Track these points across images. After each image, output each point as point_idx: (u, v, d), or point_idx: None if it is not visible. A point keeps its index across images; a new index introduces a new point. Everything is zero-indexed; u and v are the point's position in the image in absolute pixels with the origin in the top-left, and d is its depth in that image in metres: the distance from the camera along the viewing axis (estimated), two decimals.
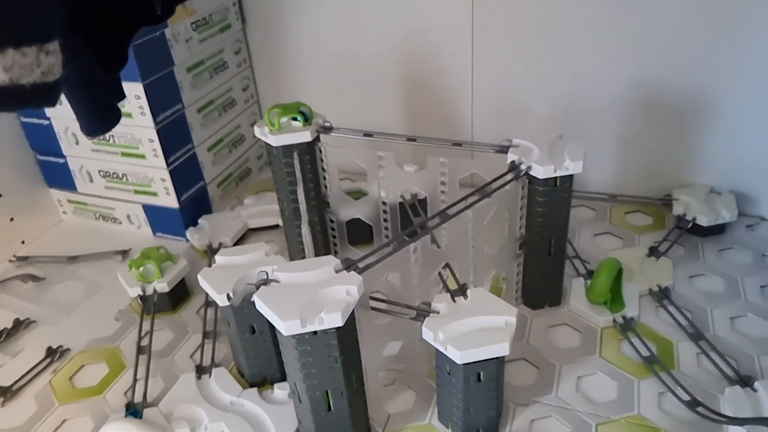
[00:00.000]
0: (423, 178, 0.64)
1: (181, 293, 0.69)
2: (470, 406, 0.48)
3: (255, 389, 0.56)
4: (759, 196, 0.73)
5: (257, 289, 0.43)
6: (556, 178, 0.55)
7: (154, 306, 0.65)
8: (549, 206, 0.56)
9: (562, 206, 0.57)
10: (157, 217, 0.79)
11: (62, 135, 0.77)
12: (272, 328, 0.54)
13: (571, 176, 0.55)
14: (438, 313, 0.48)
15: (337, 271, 0.44)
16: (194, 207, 0.80)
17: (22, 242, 0.81)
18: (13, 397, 0.59)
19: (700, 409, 0.50)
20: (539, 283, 0.62)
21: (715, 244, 0.70)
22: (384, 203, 0.67)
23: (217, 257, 0.55)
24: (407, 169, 0.65)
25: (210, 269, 0.54)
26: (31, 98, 0.35)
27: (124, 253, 0.77)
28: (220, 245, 0.76)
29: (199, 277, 0.53)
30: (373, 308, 0.48)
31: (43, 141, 0.79)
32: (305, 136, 0.63)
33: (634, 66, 0.71)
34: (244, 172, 0.90)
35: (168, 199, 0.77)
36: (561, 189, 0.55)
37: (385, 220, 0.68)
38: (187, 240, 0.78)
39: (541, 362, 0.57)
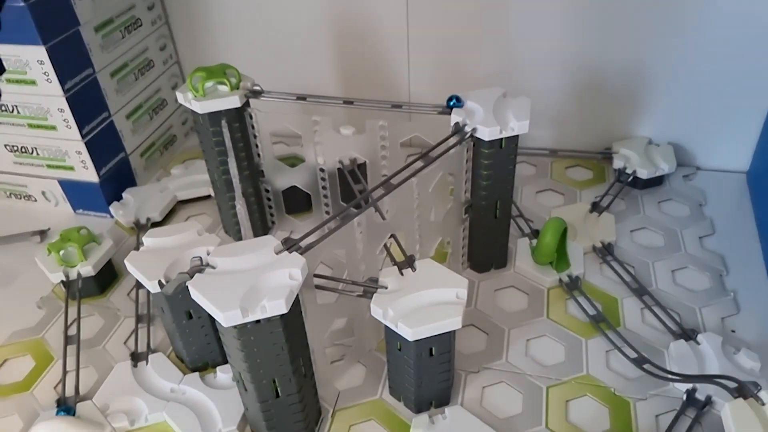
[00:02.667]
0: (362, 143, 0.61)
1: (108, 276, 0.64)
2: (422, 380, 0.47)
3: (197, 374, 0.53)
4: (695, 146, 0.74)
5: (191, 277, 0.40)
6: (501, 139, 0.53)
7: (79, 292, 0.60)
8: (494, 168, 0.54)
9: (508, 168, 0.55)
10: (75, 192, 0.73)
11: None
12: None
13: (516, 137, 0.53)
14: (386, 288, 0.46)
15: (277, 253, 0.41)
16: (116, 180, 0.74)
17: None
18: None
19: (647, 366, 0.50)
20: (485, 246, 0.61)
21: (654, 196, 0.71)
22: (322, 170, 0.64)
23: (144, 239, 0.50)
24: (344, 133, 0.62)
25: (138, 253, 0.50)
26: None
27: (42, 233, 0.71)
28: (148, 221, 0.71)
29: (126, 262, 0.49)
30: (317, 287, 0.46)
31: None
32: (233, 102, 0.58)
33: (572, 20, 0.69)
34: (168, 139, 0.84)
35: (86, 173, 0.70)
36: (506, 150, 0.54)
37: (323, 187, 0.65)
38: (112, 216, 0.73)
39: (490, 327, 0.57)
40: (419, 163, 0.50)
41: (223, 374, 0.53)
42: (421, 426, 0.47)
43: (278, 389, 0.43)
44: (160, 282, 0.46)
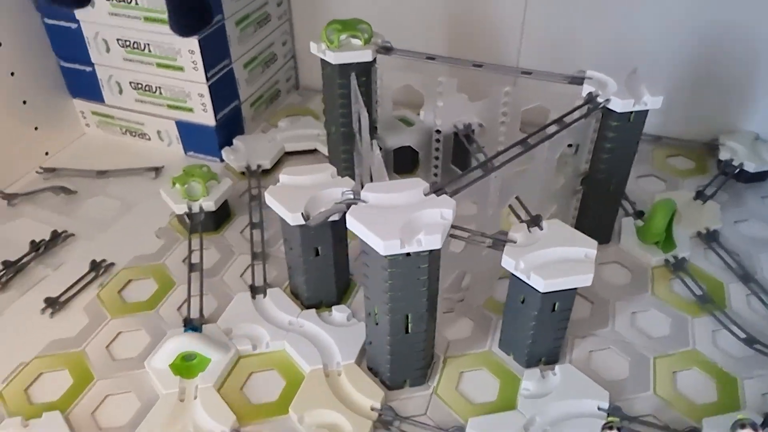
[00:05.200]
0: (483, 108, 0.62)
1: (223, 214, 0.67)
2: (539, 335, 0.49)
3: (313, 311, 0.56)
4: None
5: (347, 208, 0.42)
6: (630, 113, 0.54)
7: (201, 224, 0.63)
8: (618, 142, 0.55)
9: (632, 143, 0.56)
10: (190, 134, 0.76)
11: (91, 41, 0.72)
12: (335, 251, 0.54)
13: (646, 112, 0.54)
14: (515, 242, 0.47)
15: (426, 194, 0.43)
16: (228, 127, 0.77)
17: (46, 153, 0.77)
18: (62, 309, 0.57)
19: (757, 346, 0.51)
20: (593, 219, 0.62)
21: (758, 191, 0.71)
22: (438, 132, 0.65)
23: (281, 176, 0.53)
24: (466, 97, 0.63)
25: (276, 187, 0.52)
26: None
27: (157, 170, 0.75)
28: (259, 167, 0.74)
29: (266, 194, 0.51)
30: (451, 235, 0.48)
31: (69, 46, 0.74)
32: (366, 55, 0.60)
33: (688, 7, 0.69)
34: (273, 94, 0.87)
35: (204, 116, 0.74)
36: (634, 125, 0.54)
37: (436, 149, 0.67)
38: (222, 160, 0.76)
39: (595, 297, 0.58)
40: (553, 127, 0.51)
41: (339, 313, 0.55)
42: (533, 378, 0.49)
43: (409, 325, 0.46)
44: (302, 214, 0.49)
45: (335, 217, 0.49)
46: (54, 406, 0.48)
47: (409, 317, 0.45)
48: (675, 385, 0.50)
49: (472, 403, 0.49)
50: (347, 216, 0.42)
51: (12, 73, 0.71)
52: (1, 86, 0.70)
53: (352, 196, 0.43)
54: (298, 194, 0.51)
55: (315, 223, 0.47)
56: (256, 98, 0.82)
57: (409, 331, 0.46)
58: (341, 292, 0.58)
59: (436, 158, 0.67)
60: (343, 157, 0.67)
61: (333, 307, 0.56)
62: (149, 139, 0.79)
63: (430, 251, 0.41)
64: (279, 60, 0.86)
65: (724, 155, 0.72)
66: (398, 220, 0.41)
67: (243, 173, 0.74)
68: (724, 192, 0.70)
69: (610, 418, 0.41)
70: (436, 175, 0.68)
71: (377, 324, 0.47)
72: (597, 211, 0.61)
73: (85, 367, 0.52)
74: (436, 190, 0.44)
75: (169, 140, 0.78)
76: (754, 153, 0.71)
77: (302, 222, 0.49)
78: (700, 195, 0.68)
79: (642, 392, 0.50)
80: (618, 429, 0.40)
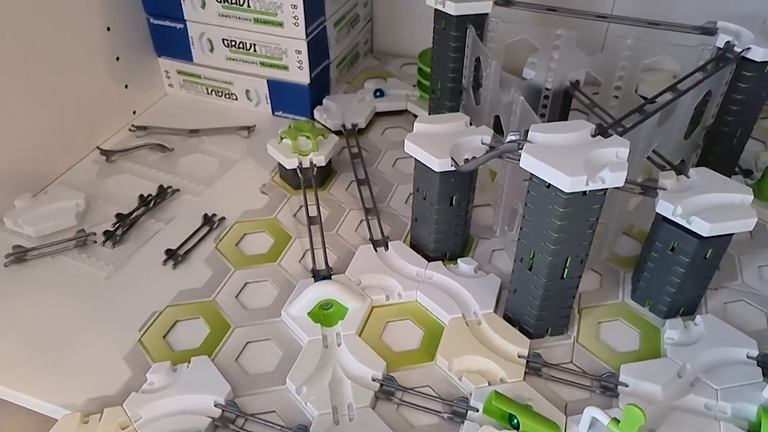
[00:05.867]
0: (599, 62, 0.62)
1: (327, 170, 0.66)
2: (685, 285, 0.49)
3: (439, 262, 0.55)
4: None
5: (519, 147, 0.42)
6: (766, 63, 0.53)
7: (314, 179, 0.63)
8: (749, 94, 0.55)
9: (762, 95, 0.55)
10: (281, 93, 0.75)
11: None
12: (468, 201, 0.54)
13: None
14: (665, 189, 0.47)
15: (593, 135, 0.43)
16: (319, 87, 0.76)
17: (134, 112, 0.76)
18: (183, 261, 0.57)
19: None
20: None
21: None
22: (548, 88, 0.65)
23: (416, 125, 0.52)
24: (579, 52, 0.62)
25: (413, 135, 0.52)
26: None
27: (250, 129, 0.74)
28: (354, 126, 0.73)
29: (406, 141, 0.51)
30: None
31: (161, 2, 0.73)
32: (485, 7, 0.59)
33: None
34: (354, 56, 0.86)
35: (299, 74, 0.73)
36: (767, 75, 0.54)
37: (544, 106, 0.66)
38: (313, 119, 0.75)
39: None
40: (698, 75, 0.50)
41: (465, 265, 0.55)
42: (677, 328, 0.49)
43: (566, 270, 0.45)
44: (453, 160, 0.48)
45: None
46: (197, 353, 0.48)
47: (569, 261, 0.45)
48: None
49: (615, 351, 0.49)
50: (523, 155, 0.41)
51: (108, 28, 0.70)
52: (98, 41, 0.69)
53: (518, 138, 0.43)
54: (437, 142, 0.50)
55: (472, 167, 0.47)
56: (342, 59, 0.81)
57: (565, 276, 0.46)
58: (465, 244, 0.57)
59: (543, 116, 0.67)
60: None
61: (459, 259, 0.55)
62: (236, 99, 0.78)
63: (605, 191, 0.41)
64: (361, 21, 0.85)
65: None
66: (576, 158, 0.40)
67: (338, 132, 0.73)
68: None
69: None
70: None
71: (530, 269, 0.46)
72: (718, 166, 0.60)
73: (219, 316, 0.52)
74: (602, 131, 0.43)
75: (257, 100, 0.77)
76: None
77: (449, 168, 0.49)
78: None
79: None
80: None
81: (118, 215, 0.61)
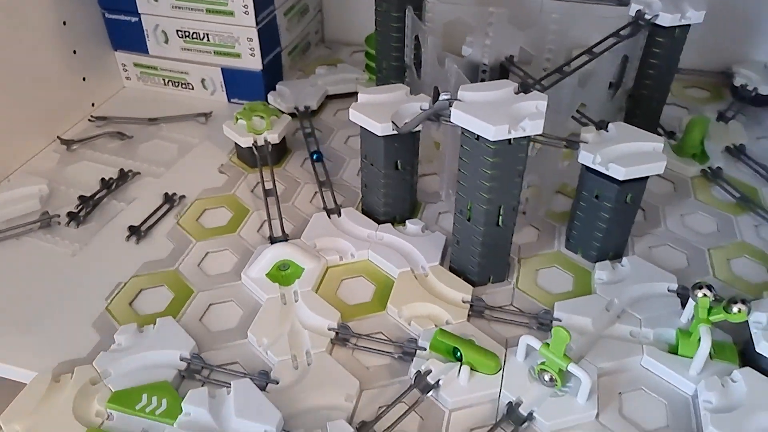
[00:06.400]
0: (530, 37, 0.67)
1: (282, 149, 0.70)
2: (611, 230, 0.54)
3: (389, 225, 0.59)
4: None
5: (450, 105, 0.46)
6: (675, 28, 0.59)
7: (269, 155, 0.66)
8: (663, 58, 0.60)
9: (675, 58, 0.61)
10: (235, 81, 0.79)
11: None
12: (412, 165, 0.58)
13: (688, 27, 0.59)
14: (587, 142, 0.52)
15: (516, 93, 0.47)
16: (272, 73, 0.80)
17: (92, 105, 0.79)
18: (145, 236, 0.60)
19: None
20: None
21: None
22: (485, 64, 0.69)
23: (360, 95, 0.56)
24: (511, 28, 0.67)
25: (357, 104, 0.55)
26: None
27: (206, 115, 0.77)
28: (307, 108, 0.77)
29: (351, 110, 0.55)
30: (532, 139, 0.52)
31: None
32: None
33: None
34: (305, 45, 0.90)
35: (251, 60, 0.76)
36: (678, 39, 0.60)
37: (482, 80, 0.71)
38: (268, 104, 0.78)
39: (645, 205, 0.63)
40: (611, 40, 0.56)
41: (413, 225, 0.59)
42: (605, 269, 0.54)
43: (501, 218, 0.50)
44: (393, 123, 0.52)
45: (418, 127, 0.53)
46: (162, 316, 0.51)
47: (502, 209, 0.49)
48: (731, 269, 0.56)
49: (551, 293, 0.54)
50: (453, 111, 0.45)
51: (64, 23, 0.72)
52: (54, 35, 0.71)
53: (449, 97, 0.47)
54: (380, 110, 0.54)
55: (410, 127, 0.51)
56: (293, 47, 0.85)
57: (500, 223, 0.50)
58: (412, 209, 0.61)
59: None
60: None
61: (407, 221, 0.59)
62: (192, 88, 0.81)
63: (527, 139, 0.45)
64: (310, 11, 0.89)
65: (739, 81, 0.78)
66: (500, 111, 0.45)
67: (291, 114, 0.76)
68: (743, 114, 0.76)
69: (699, 280, 0.45)
70: None
71: (469, 220, 0.50)
72: (642, 125, 0.66)
73: (182, 283, 0.55)
74: (525, 89, 0.48)
75: (213, 88, 0.80)
76: (767, 78, 0.77)
77: (391, 132, 0.53)
78: (722, 117, 0.74)
79: (703, 276, 0.55)
80: (708, 287, 0.44)
81: (80, 197, 0.63)
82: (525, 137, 0.45)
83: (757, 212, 0.61)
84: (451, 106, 0.46)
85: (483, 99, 0.46)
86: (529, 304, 0.53)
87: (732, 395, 0.43)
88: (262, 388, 0.45)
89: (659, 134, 0.71)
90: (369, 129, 0.54)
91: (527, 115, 0.44)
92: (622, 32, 0.56)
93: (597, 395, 0.44)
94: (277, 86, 0.80)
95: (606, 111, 0.63)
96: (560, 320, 0.50)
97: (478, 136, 0.45)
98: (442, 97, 0.47)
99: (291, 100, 0.77)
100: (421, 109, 0.54)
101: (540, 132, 0.44)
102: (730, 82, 0.80)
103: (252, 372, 0.47)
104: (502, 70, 0.70)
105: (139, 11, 0.76)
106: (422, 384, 0.45)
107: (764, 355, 0.44)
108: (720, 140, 0.70)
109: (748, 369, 0.44)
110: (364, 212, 0.62)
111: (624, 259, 0.55)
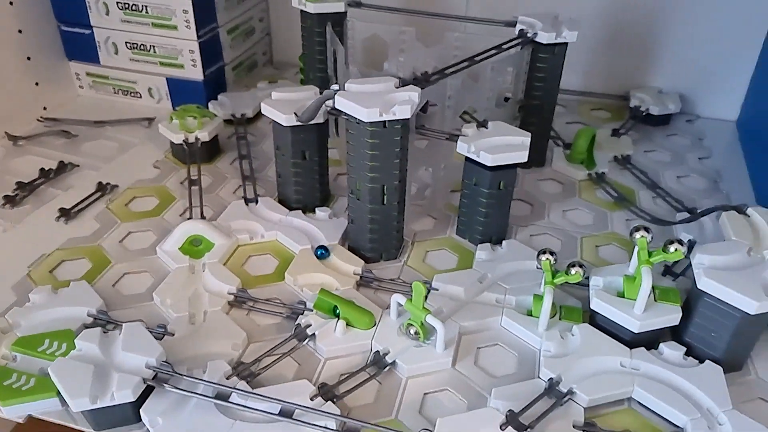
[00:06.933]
0: (437, 53, 0.75)
1: (215, 148, 0.76)
2: (490, 214, 0.60)
3: (299, 211, 0.66)
4: (696, 98, 0.90)
5: (334, 94, 0.53)
6: (554, 46, 0.67)
7: (198, 151, 0.73)
8: (547, 72, 0.69)
9: (557, 72, 0.69)
10: (179, 90, 0.86)
11: (92, 5, 0.82)
12: (320, 156, 0.64)
13: (566, 45, 0.68)
14: (467, 135, 0.59)
15: (396, 87, 0.55)
16: (214, 84, 0.87)
17: (44, 108, 0.85)
18: (75, 218, 0.65)
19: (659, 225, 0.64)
20: (530, 146, 0.74)
21: (663, 131, 0.86)
22: (399, 77, 0.77)
23: (273, 93, 0.63)
24: (423, 45, 0.76)
25: (269, 100, 0.63)
26: None
27: (150, 120, 0.84)
28: (243, 115, 0.84)
29: (262, 104, 0.62)
30: (418, 132, 0.59)
31: (71, 11, 0.83)
32: (338, 7, 0.72)
33: None
34: (251, 63, 0.98)
35: (194, 71, 0.84)
36: (557, 56, 0.68)
37: None
38: (203, 107, 0.85)
39: (534, 201, 0.70)
40: (493, 51, 0.64)
41: (321, 212, 0.65)
42: (485, 250, 0.60)
43: (386, 196, 0.56)
44: (295, 113, 0.59)
45: (320, 119, 0.60)
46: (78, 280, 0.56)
47: (385, 188, 0.56)
48: (597, 254, 0.62)
49: (436, 269, 0.60)
50: (336, 98, 0.52)
51: (20, 31, 0.79)
52: (10, 41, 0.78)
53: (337, 89, 0.54)
54: (288, 105, 0.61)
55: (307, 115, 0.58)
56: (237, 64, 0.93)
57: (385, 202, 0.57)
58: (324, 199, 0.68)
59: None
60: None
61: (316, 209, 0.66)
62: (140, 96, 0.88)
63: (402, 124, 0.52)
64: (257, 34, 0.97)
65: (633, 102, 0.87)
66: (377, 99, 0.52)
67: (228, 121, 0.83)
68: (637, 132, 0.85)
69: (636, 224, 0.50)
70: None
71: (359, 199, 0.57)
72: (533, 137, 0.73)
73: (102, 256, 0.60)
74: (405, 83, 0.55)
75: (159, 96, 0.87)
76: (658, 100, 0.86)
77: (295, 123, 0.60)
78: (615, 132, 0.83)
79: (572, 258, 0.61)
80: (646, 229, 0.49)
81: (18, 183, 0.69)
82: (398, 121, 0.52)
83: (631, 209, 0.68)
84: (335, 94, 0.53)
85: (365, 90, 0.54)
86: (415, 277, 0.59)
87: (568, 345, 0.49)
88: (159, 338, 0.50)
89: (557, 145, 0.79)
90: (277, 121, 0.61)
91: (400, 102, 0.52)
92: (503, 46, 0.65)
93: (455, 347, 0.50)
94: (219, 96, 0.87)
95: (499, 118, 0.70)
96: (437, 289, 0.56)
97: (359, 120, 0.52)
98: (333, 88, 0.55)
99: (229, 108, 0.84)
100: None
101: (408, 116, 0.51)
102: (627, 104, 0.89)
103: (152, 326, 0.52)
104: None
105: (92, 24, 0.83)
106: (301, 335, 0.51)
107: (597, 311, 0.50)
108: (610, 151, 0.78)
109: (585, 325, 0.50)
110: (280, 202, 0.68)
111: (504, 242, 0.62)
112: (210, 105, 0.85)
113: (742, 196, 0.72)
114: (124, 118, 0.84)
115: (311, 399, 0.45)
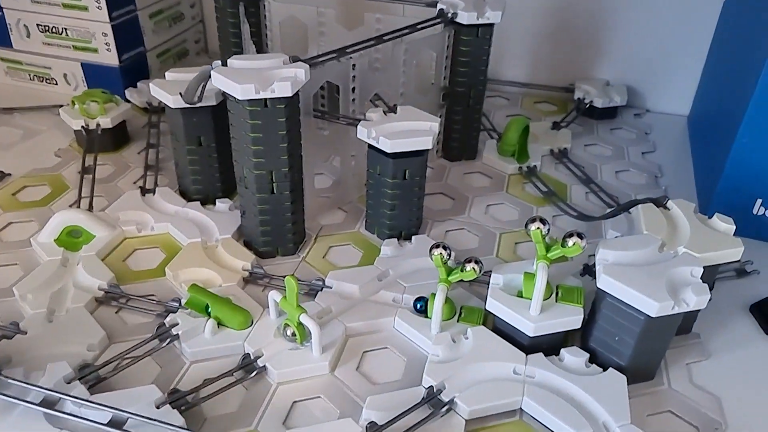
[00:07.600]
0: (359, 36, 0.70)
1: (122, 136, 0.71)
2: (397, 206, 0.55)
3: (198, 203, 0.60)
4: (646, 92, 0.85)
5: (212, 69, 0.48)
6: (478, 28, 0.62)
7: (98, 138, 0.68)
8: (471, 56, 0.64)
9: (482, 57, 0.65)
10: (96, 75, 0.81)
11: None
12: (218, 142, 0.59)
13: (491, 27, 0.63)
14: (371, 120, 0.54)
15: (285, 63, 0.50)
16: (134, 71, 0.82)
17: None
18: None
19: (586, 221, 0.59)
20: (458, 136, 0.70)
21: (608, 125, 0.81)
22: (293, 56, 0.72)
23: (167, 74, 0.59)
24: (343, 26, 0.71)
25: (161, 80, 0.58)
26: None
27: (62, 107, 0.78)
28: (160, 104, 0.79)
29: (151, 84, 0.57)
30: (315, 116, 0.54)
31: None
32: None
33: None
34: (182, 51, 0.93)
35: (108, 56, 0.79)
36: (482, 39, 0.63)
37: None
38: (127, 100, 0.80)
39: (457, 195, 0.65)
40: (406, 31, 0.59)
41: (222, 204, 0.60)
42: (391, 245, 0.55)
43: (274, 185, 0.51)
44: (180, 93, 0.54)
45: (212, 100, 0.55)
46: None
47: (273, 175, 0.51)
48: (515, 251, 0.58)
49: (337, 266, 0.55)
50: (213, 74, 0.47)
51: None
52: None
53: (219, 64, 0.49)
54: (182, 86, 0.57)
55: (189, 95, 0.53)
56: (163, 50, 0.88)
57: (275, 191, 0.52)
58: (227, 189, 0.63)
59: (322, 88, 0.74)
60: None
61: (217, 200, 0.61)
62: (56, 83, 0.83)
63: (286, 104, 0.48)
64: (186, 20, 0.92)
65: (578, 94, 0.82)
66: (257, 76, 0.47)
67: (144, 109, 0.78)
68: (580, 125, 0.80)
69: (534, 215, 0.45)
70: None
71: (247, 188, 0.52)
72: (460, 127, 0.69)
73: None
74: (294, 60, 0.50)
75: (75, 83, 0.82)
76: (603, 93, 0.81)
77: (184, 105, 0.55)
78: (556, 125, 0.78)
79: (488, 255, 0.57)
80: (542, 221, 0.44)
81: None
82: (280, 100, 0.47)
83: (558, 205, 0.63)
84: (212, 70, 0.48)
85: (249, 66, 0.49)
86: (311, 274, 0.54)
87: (459, 349, 0.44)
88: (9, 337, 0.45)
89: (492, 138, 0.75)
90: (165, 102, 0.56)
91: (281, 78, 0.47)
92: (419, 26, 0.60)
93: (336, 350, 0.45)
94: (138, 83, 0.82)
95: (423, 105, 0.66)
96: (330, 287, 0.51)
97: (237, 99, 0.47)
98: (214, 64, 0.50)
99: (147, 96, 0.79)
100: None
101: (289, 94, 0.47)
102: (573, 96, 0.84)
103: (4, 322, 0.47)
104: None
105: (2, 5, 0.78)
106: (164, 335, 0.45)
107: (491, 312, 0.45)
108: (547, 144, 0.74)
109: (480, 327, 0.46)
110: (181, 193, 0.63)
111: (413, 238, 0.57)
112: (126, 92, 0.80)
113: (682, 191, 0.67)
114: (36, 106, 0.79)
115: (157, 407, 0.40)
